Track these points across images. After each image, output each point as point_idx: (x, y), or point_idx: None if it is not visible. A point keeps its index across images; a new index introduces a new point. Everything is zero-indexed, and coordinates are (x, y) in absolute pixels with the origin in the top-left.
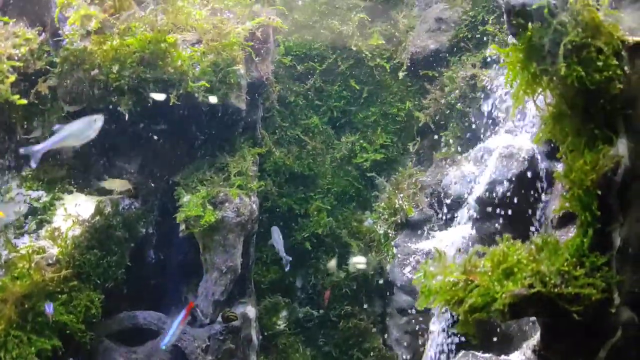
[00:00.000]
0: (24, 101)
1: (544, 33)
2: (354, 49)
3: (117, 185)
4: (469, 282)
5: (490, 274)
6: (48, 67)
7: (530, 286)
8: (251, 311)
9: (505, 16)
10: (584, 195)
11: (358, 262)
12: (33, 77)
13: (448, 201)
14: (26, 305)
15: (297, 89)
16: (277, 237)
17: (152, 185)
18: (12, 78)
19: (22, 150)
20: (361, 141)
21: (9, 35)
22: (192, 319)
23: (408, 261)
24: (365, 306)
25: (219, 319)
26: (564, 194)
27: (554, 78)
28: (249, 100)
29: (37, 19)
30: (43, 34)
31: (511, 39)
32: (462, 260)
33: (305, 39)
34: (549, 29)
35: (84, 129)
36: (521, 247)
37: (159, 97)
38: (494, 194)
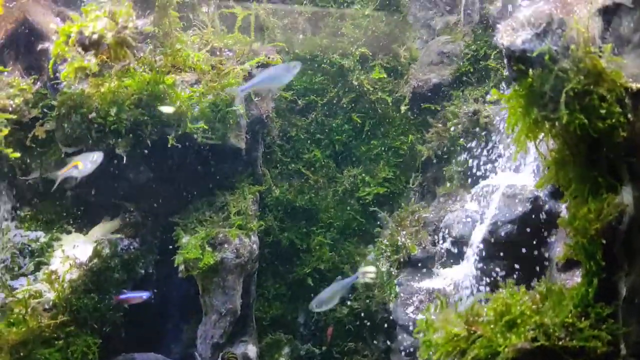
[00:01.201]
0: (17, 154)
1: (545, 79)
2: (356, 83)
3: (107, 229)
4: (472, 333)
5: (493, 325)
6: (45, 111)
7: (534, 339)
8: (252, 350)
9: (505, 60)
10: (589, 245)
11: (367, 271)
12: (29, 123)
13: (450, 241)
14: (22, 353)
15: (299, 123)
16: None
17: (152, 224)
18: (6, 131)
19: None
20: (363, 175)
21: (3, 85)
22: None
23: (411, 300)
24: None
25: None
26: (568, 242)
27: (556, 124)
28: (249, 138)
29: (34, 63)
30: (38, 82)
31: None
32: (464, 309)
33: (306, 73)
34: (550, 75)
35: (282, 73)
36: (524, 294)
37: (167, 109)
38: (497, 235)
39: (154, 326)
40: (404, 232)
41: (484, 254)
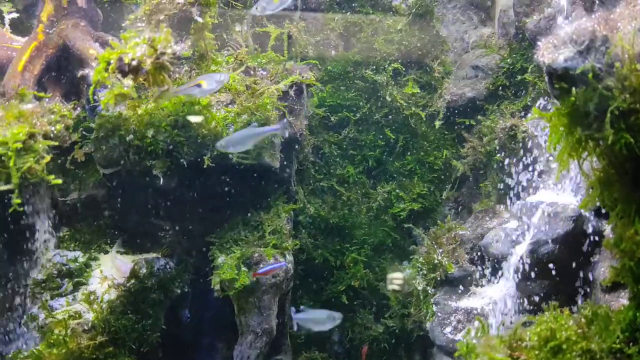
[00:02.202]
0: (59, 181)
1: (589, 98)
2: (389, 98)
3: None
4: (515, 359)
5: (537, 351)
6: (84, 133)
7: None
8: None
9: (546, 78)
10: (636, 267)
11: (395, 277)
12: (69, 146)
13: (489, 259)
14: None
15: (332, 139)
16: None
17: (187, 243)
18: (48, 158)
19: None
20: (397, 190)
21: (44, 112)
22: None
23: (449, 320)
24: None
25: None
26: (614, 264)
27: (601, 143)
28: (283, 156)
29: (73, 88)
30: (78, 108)
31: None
32: (506, 334)
33: (339, 89)
34: (594, 93)
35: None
36: (569, 318)
37: (196, 119)
38: (538, 254)
39: (189, 346)
40: (441, 250)
41: (523, 273)
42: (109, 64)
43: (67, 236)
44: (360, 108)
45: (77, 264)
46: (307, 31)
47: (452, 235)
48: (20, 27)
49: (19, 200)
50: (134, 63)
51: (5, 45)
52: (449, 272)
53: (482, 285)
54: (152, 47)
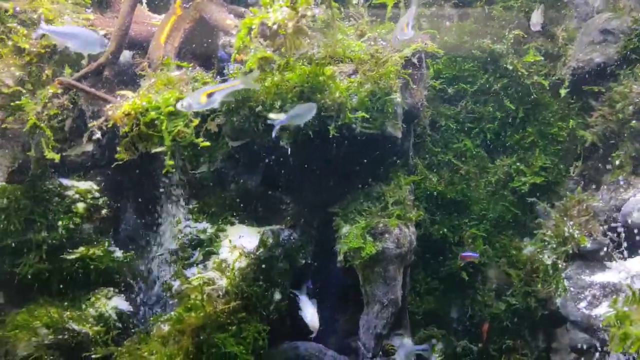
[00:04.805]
0: (208, 143)
1: None
2: (510, 67)
3: None
4: None
5: None
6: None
7: None
8: (408, 343)
9: None
10: None
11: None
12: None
13: (628, 230)
14: (201, 337)
15: (448, 113)
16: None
17: (308, 215)
18: (196, 122)
19: None
20: (518, 164)
21: (189, 80)
22: (355, 354)
23: (583, 295)
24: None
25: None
26: None
27: None
28: (405, 127)
29: (206, 62)
30: (218, 77)
31: None
32: None
33: (455, 61)
34: None
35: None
36: None
37: (276, 116)
38: None
39: None
40: (571, 223)
41: None
42: (250, 29)
43: (196, 208)
44: (477, 79)
45: (207, 234)
46: (421, 3)
47: (584, 207)
48: (152, 5)
49: (172, 162)
50: (275, 27)
51: (144, 21)
52: (582, 245)
53: (620, 259)
54: (294, 10)
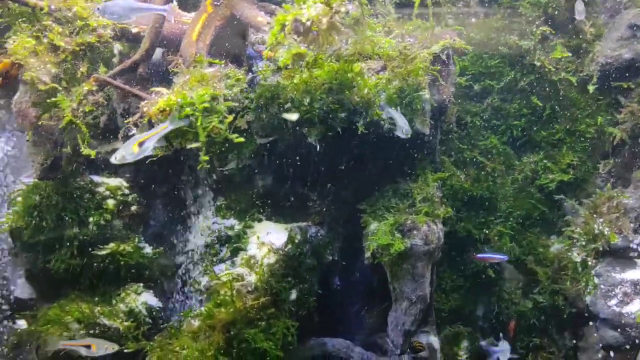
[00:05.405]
0: (242, 139)
1: None
2: (537, 63)
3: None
4: None
5: None
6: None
7: None
8: (435, 341)
9: None
10: None
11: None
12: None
13: None
14: (231, 332)
15: (474, 109)
16: None
17: (335, 212)
18: (230, 118)
19: None
20: (545, 161)
21: (222, 76)
22: (381, 351)
23: (614, 292)
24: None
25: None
26: None
27: None
28: (431, 124)
29: (236, 59)
30: (249, 74)
31: None
32: None
33: (481, 57)
34: None
35: None
36: None
37: (292, 117)
38: None
39: (338, 312)
40: (601, 220)
41: None
42: (284, 25)
43: (223, 205)
44: (504, 76)
45: (234, 231)
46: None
47: (614, 204)
48: (182, 3)
49: (206, 157)
50: (308, 23)
51: (176, 19)
52: (612, 242)
53: None
54: (328, 5)
